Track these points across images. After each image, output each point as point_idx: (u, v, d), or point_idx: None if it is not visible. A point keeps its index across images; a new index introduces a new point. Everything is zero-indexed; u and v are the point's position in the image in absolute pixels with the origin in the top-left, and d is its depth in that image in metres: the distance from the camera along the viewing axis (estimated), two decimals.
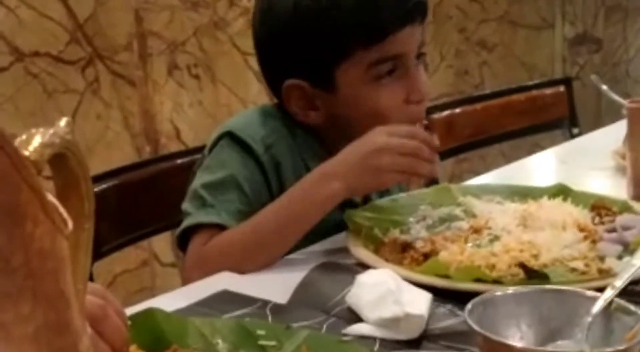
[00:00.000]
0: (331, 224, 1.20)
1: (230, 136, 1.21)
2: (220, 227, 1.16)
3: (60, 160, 0.48)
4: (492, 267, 1.02)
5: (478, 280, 1.00)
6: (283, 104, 1.27)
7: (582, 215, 1.18)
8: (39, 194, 0.39)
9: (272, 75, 1.27)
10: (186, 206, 1.20)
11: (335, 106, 1.24)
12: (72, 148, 0.49)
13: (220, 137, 1.23)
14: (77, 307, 0.42)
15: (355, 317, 0.94)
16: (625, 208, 1.21)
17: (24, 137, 0.47)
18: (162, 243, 2.24)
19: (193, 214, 1.17)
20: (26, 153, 0.44)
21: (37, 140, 0.47)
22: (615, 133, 1.58)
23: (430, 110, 1.98)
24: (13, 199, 0.38)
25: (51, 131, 0.48)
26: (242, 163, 1.20)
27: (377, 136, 1.15)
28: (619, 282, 0.88)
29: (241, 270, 1.12)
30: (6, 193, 0.38)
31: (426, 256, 1.08)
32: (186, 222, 1.17)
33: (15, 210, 0.38)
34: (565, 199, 1.23)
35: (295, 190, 1.16)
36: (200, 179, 1.20)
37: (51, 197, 0.43)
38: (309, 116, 1.26)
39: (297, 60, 1.23)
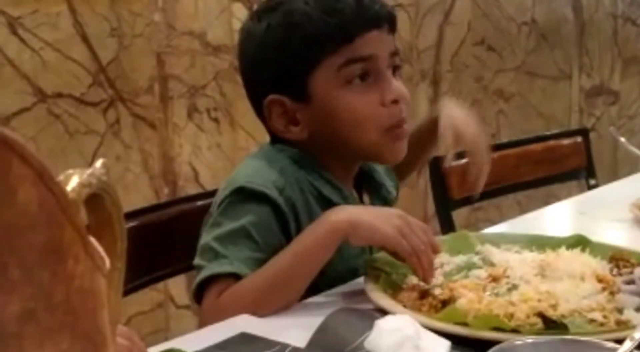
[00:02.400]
0: (350, 270, 1.21)
1: (241, 191, 1.21)
2: (235, 277, 1.16)
3: (96, 200, 0.49)
4: (511, 316, 1.02)
5: (496, 329, 1.00)
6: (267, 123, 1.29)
7: (601, 266, 1.18)
8: (81, 233, 0.40)
9: (256, 97, 1.29)
10: (198, 260, 1.20)
11: (313, 117, 1.25)
12: (107, 189, 0.50)
13: (230, 194, 1.22)
14: (112, 345, 0.43)
15: None
16: None
17: (61, 177, 0.48)
18: (178, 285, 2.24)
19: (206, 267, 1.17)
20: None
21: (74, 181, 0.48)
22: (632, 185, 1.59)
23: None
24: (58, 237, 0.39)
25: (88, 172, 0.49)
26: (255, 213, 1.19)
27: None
28: (638, 334, 0.88)
29: (256, 315, 1.12)
30: (52, 231, 0.39)
31: (444, 303, 1.08)
32: (201, 276, 1.17)
33: (59, 248, 0.39)
34: (583, 250, 1.24)
35: (304, 231, 1.18)
36: (210, 234, 1.20)
37: (91, 237, 0.44)
38: (291, 131, 1.27)
39: (273, 76, 1.25)
